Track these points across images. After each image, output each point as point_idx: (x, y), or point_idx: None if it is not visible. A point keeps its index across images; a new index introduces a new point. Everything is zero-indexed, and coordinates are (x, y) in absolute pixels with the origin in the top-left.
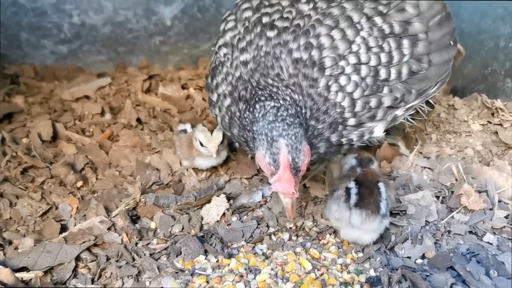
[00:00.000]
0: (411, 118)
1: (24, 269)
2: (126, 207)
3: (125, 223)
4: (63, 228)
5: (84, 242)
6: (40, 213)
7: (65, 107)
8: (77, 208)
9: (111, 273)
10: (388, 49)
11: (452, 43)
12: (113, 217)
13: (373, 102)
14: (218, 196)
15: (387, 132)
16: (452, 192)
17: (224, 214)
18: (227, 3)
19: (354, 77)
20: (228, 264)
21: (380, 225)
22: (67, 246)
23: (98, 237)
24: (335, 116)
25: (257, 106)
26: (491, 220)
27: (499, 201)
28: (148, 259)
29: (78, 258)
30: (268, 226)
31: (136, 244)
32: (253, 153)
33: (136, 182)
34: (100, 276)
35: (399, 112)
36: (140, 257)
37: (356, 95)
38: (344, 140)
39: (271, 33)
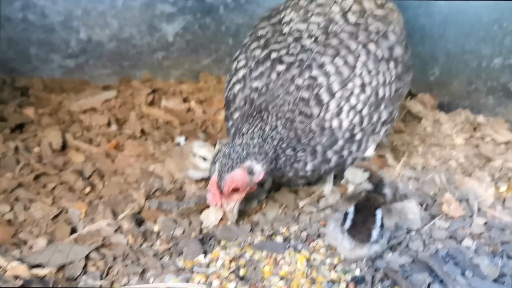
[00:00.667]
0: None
1: (38, 266)
2: (132, 212)
3: (130, 226)
4: (73, 230)
5: (92, 243)
6: (51, 216)
7: (73, 118)
8: (86, 212)
9: (118, 271)
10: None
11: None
12: (119, 220)
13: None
14: None
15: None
16: (435, 200)
17: (222, 218)
18: (227, 21)
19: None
20: (224, 261)
21: (369, 251)
22: (77, 246)
23: (105, 238)
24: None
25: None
26: (470, 226)
27: (479, 209)
28: (152, 258)
29: (87, 257)
30: (262, 230)
31: (141, 245)
32: None
33: (140, 188)
34: (107, 274)
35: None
36: (145, 256)
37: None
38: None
39: (280, 67)
